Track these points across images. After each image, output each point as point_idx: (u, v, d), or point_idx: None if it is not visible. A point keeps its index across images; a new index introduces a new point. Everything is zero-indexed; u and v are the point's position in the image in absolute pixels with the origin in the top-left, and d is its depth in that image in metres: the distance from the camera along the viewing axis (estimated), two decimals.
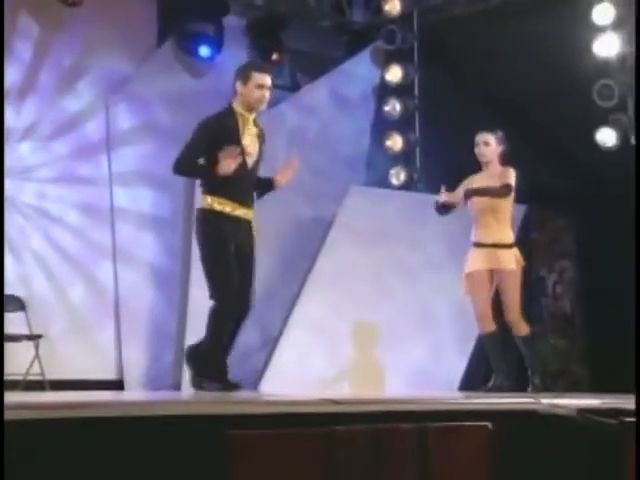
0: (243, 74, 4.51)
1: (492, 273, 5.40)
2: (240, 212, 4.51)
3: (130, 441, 2.21)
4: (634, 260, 7.45)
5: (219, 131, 4.44)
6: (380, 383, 6.68)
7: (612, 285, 7.72)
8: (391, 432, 2.49)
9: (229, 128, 4.46)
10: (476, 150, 5.47)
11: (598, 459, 2.82)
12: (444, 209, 5.42)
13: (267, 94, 4.51)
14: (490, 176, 5.46)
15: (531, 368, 5.41)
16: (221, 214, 4.44)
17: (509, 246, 5.43)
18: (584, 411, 2.91)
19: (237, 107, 4.52)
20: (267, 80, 4.51)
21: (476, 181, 5.49)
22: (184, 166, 4.51)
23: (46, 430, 2.12)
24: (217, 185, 4.42)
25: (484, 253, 5.38)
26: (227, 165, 4.33)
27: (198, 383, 4.46)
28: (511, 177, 5.38)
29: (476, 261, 5.38)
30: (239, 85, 4.49)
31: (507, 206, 5.44)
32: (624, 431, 2.72)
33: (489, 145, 5.45)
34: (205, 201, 4.47)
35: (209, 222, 4.46)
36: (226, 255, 4.42)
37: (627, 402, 3.31)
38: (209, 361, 4.45)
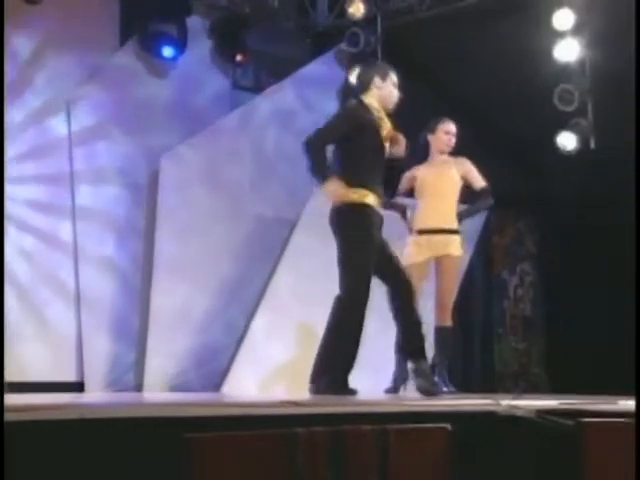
0: (382, 70, 4.73)
1: (430, 262, 5.32)
2: (378, 203, 4.55)
3: (86, 444, 2.19)
4: (595, 264, 7.54)
5: (364, 122, 4.52)
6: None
7: (572, 288, 7.81)
8: (351, 434, 2.50)
9: (371, 120, 4.56)
10: (443, 138, 5.43)
11: (556, 459, 2.85)
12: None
13: (398, 94, 4.73)
14: (442, 165, 5.43)
15: (440, 364, 5.27)
16: (368, 207, 4.48)
17: (455, 232, 5.38)
18: (542, 412, 2.94)
19: (371, 100, 4.65)
20: (397, 81, 4.73)
21: (426, 172, 5.45)
22: (314, 145, 4.50)
23: (3, 433, 2.09)
24: (359, 177, 4.47)
25: (429, 240, 5.32)
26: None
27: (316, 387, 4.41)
28: (473, 169, 5.42)
29: (417, 253, 5.27)
30: (378, 80, 4.66)
31: (454, 191, 5.41)
32: (581, 431, 2.75)
33: (455, 135, 5.46)
34: (350, 194, 4.46)
35: (357, 215, 4.47)
36: (371, 248, 4.46)
37: (584, 403, 3.36)
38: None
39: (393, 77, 4.70)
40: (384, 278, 4.57)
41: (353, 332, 4.44)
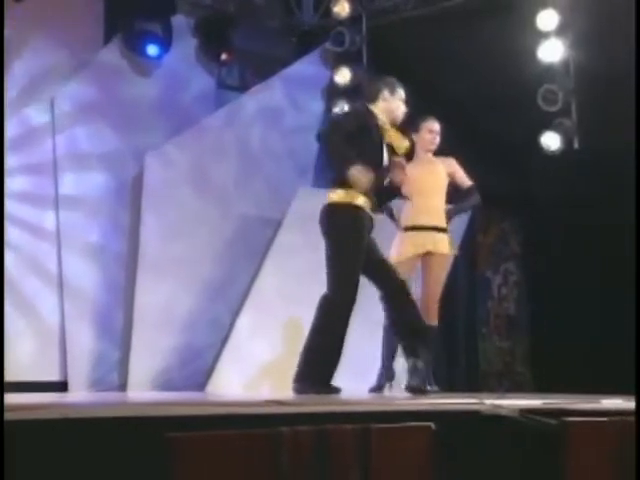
0: (390, 85, 4.75)
1: (417, 259, 5.36)
2: (369, 205, 4.58)
3: (69, 444, 2.18)
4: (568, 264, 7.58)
5: (369, 124, 4.57)
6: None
7: (556, 287, 7.84)
8: (335, 433, 2.49)
9: (375, 125, 4.60)
10: (427, 137, 5.48)
11: (539, 458, 2.86)
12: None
13: (405, 110, 4.77)
14: (429, 163, 5.48)
15: (426, 363, 5.30)
16: (359, 208, 4.50)
17: (444, 230, 5.43)
18: (525, 411, 2.95)
19: (377, 111, 4.68)
20: (404, 97, 4.77)
21: (413, 170, 5.48)
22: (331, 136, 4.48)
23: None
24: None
25: (417, 236, 5.35)
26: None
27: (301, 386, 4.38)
28: (459, 169, 5.47)
29: (405, 249, 5.29)
30: (386, 92, 4.70)
31: (442, 188, 5.46)
32: (564, 430, 2.76)
33: (439, 133, 5.52)
34: (340, 195, 4.49)
35: (347, 216, 4.49)
36: (361, 249, 4.49)
37: (568, 402, 3.37)
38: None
39: (401, 92, 4.75)
40: (375, 280, 4.59)
41: (338, 331, 4.45)
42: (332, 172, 4.61)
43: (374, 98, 4.71)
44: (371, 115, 4.65)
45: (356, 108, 4.82)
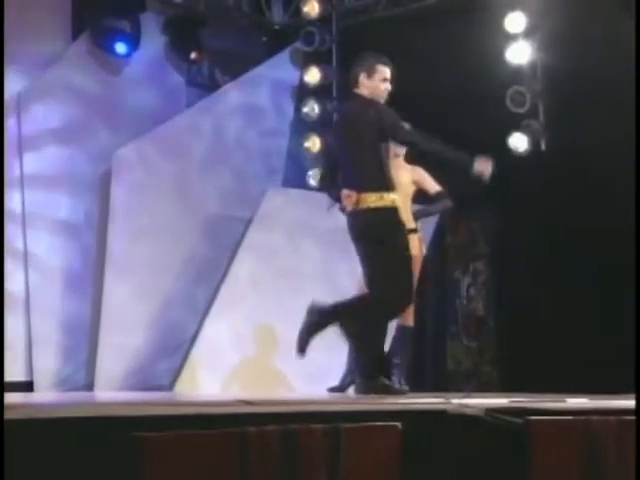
0: (368, 67, 4.57)
1: None
2: None
3: (35, 445, 2.17)
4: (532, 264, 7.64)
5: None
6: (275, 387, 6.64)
7: (524, 288, 7.90)
8: (303, 433, 2.50)
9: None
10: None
11: (504, 457, 2.88)
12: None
13: (389, 87, 4.59)
14: (396, 169, 5.45)
15: (401, 364, 5.29)
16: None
17: (413, 230, 5.42)
18: (491, 410, 2.97)
19: (363, 92, 4.59)
20: (389, 73, 4.59)
21: None
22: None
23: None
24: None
25: None
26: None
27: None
28: (427, 177, 5.46)
29: None
30: (363, 77, 4.56)
31: (407, 191, 5.44)
32: (529, 429, 2.79)
33: None
34: (388, 198, 4.49)
35: (395, 218, 4.49)
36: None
37: (533, 401, 3.40)
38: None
39: (382, 71, 4.58)
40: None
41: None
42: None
43: (355, 84, 4.61)
44: (362, 102, 4.58)
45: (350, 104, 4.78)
